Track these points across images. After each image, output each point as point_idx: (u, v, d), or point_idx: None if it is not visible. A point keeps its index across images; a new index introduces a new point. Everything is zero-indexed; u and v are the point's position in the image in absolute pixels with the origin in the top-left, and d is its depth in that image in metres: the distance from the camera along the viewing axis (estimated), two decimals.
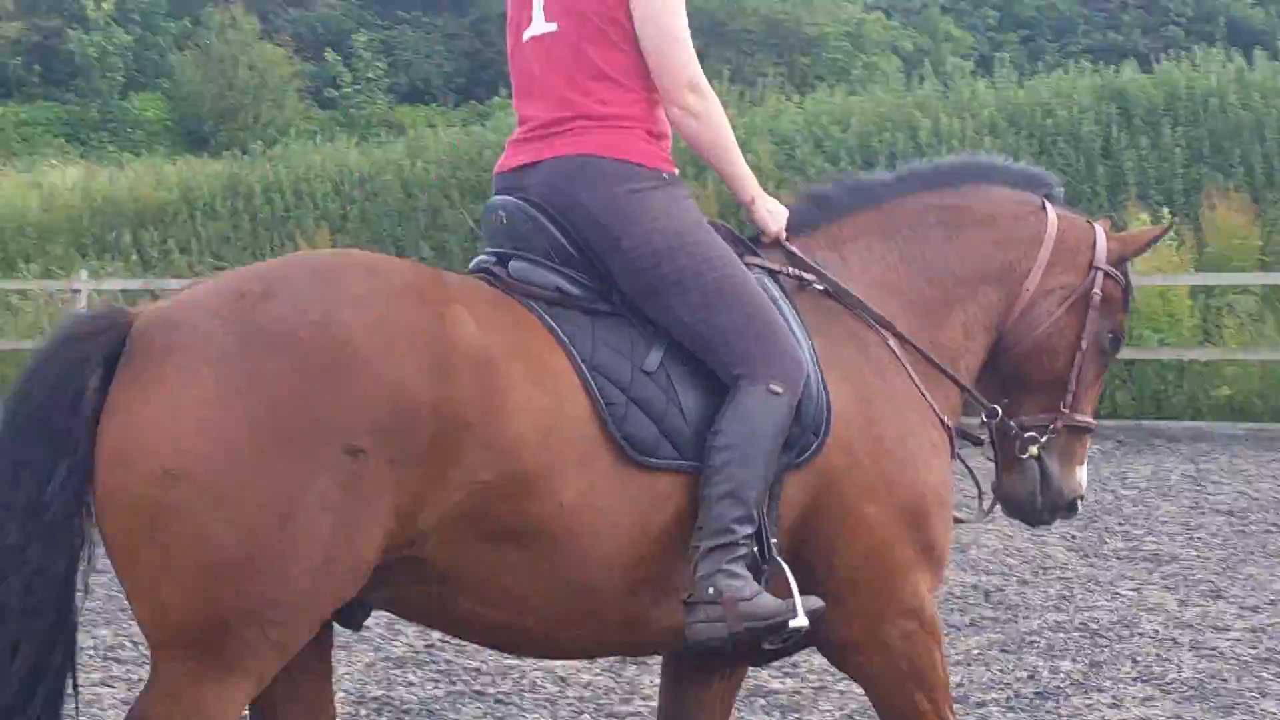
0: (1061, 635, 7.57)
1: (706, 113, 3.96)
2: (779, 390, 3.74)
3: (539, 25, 3.95)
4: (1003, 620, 7.93)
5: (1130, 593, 8.48)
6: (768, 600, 3.66)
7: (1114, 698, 6.50)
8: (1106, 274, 4.48)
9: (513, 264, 3.88)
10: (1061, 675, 6.87)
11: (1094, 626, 7.71)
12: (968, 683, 6.68)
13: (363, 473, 3.32)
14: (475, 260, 4.03)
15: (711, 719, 4.26)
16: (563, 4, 3.91)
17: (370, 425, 3.32)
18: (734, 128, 4.15)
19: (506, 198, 3.96)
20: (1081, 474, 4.49)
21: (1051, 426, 4.41)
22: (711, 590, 3.61)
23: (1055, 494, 4.42)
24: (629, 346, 3.79)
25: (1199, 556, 9.36)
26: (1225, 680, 6.72)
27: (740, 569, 3.64)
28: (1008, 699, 6.50)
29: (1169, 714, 6.24)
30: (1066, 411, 4.43)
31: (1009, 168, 4.59)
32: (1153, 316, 16.36)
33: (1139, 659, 7.10)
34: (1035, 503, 4.42)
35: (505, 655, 6.49)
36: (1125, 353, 15.44)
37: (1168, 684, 6.70)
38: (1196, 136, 20.50)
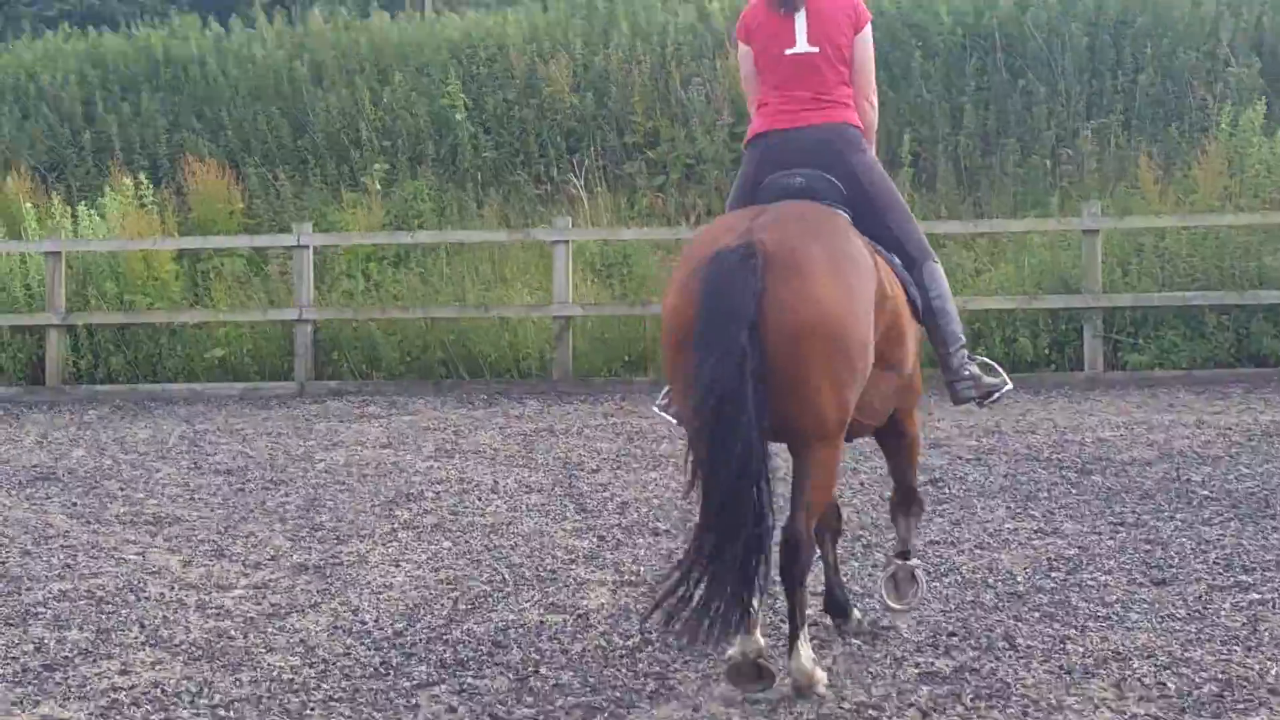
0: (67, 604, 7.43)
1: (876, 109, 6.83)
2: (938, 263, 6.66)
3: (802, 46, 6.56)
4: (5, 593, 7.68)
5: (135, 557, 8.44)
6: (990, 378, 6.74)
7: (123, 664, 6.45)
8: None
9: None
10: (69, 645, 6.74)
11: (100, 594, 7.63)
12: None
13: (875, 327, 5.84)
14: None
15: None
16: (820, 36, 6.56)
17: (877, 298, 5.85)
18: None
19: (803, 169, 6.42)
20: None
21: None
22: (967, 373, 6.64)
23: None
24: (885, 249, 6.37)
25: (200, 517, 9.47)
26: (233, 638, 6.84)
27: (971, 364, 6.69)
28: (15, 674, 6.30)
29: (179, 675, 6.26)
30: None
31: None
32: (139, 281, 16.37)
33: (146, 623, 7.09)
34: None
35: None
36: (117, 318, 15.45)
37: (176, 646, 6.72)
38: (177, 102, 20.70)
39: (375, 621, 7.06)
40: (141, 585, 7.78)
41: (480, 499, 9.81)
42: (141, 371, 16.01)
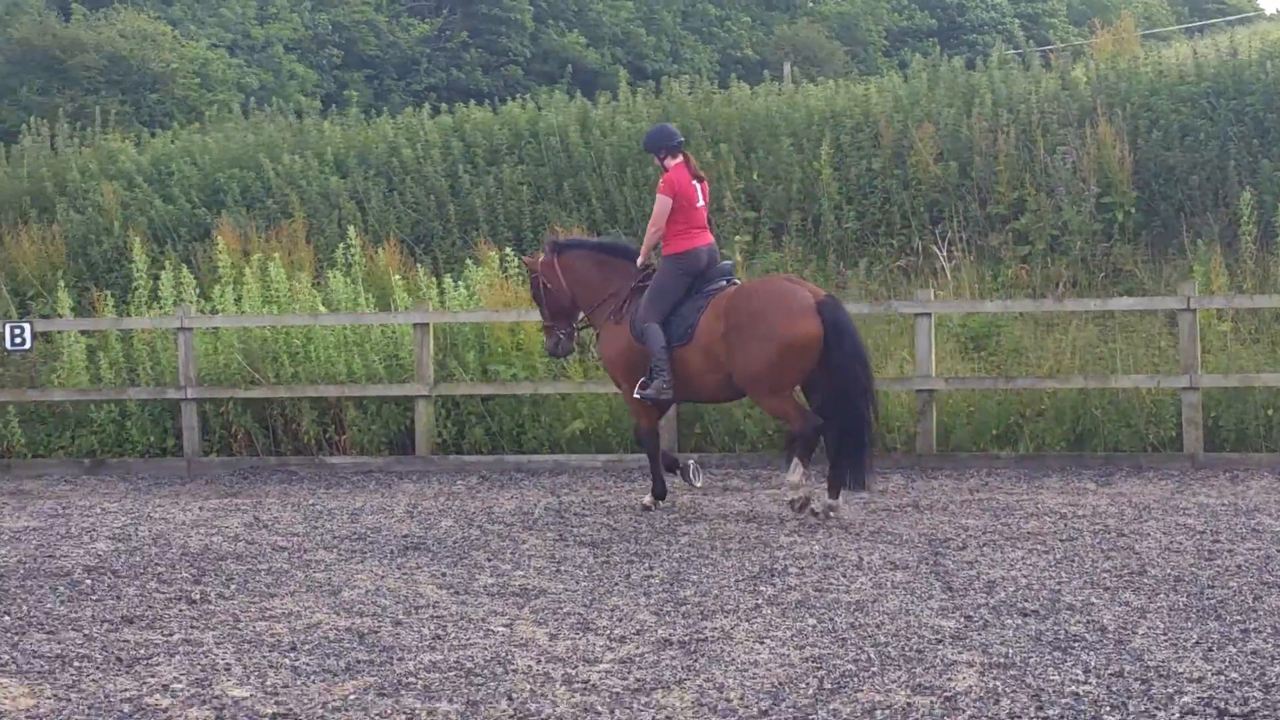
0: (438, 675, 7.50)
1: None
2: None
3: (700, 201, 12.50)
4: (378, 663, 7.80)
5: (502, 629, 8.50)
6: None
7: None
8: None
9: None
10: (439, 716, 6.81)
11: (469, 665, 7.68)
12: None
13: None
14: (722, 282, 12.48)
15: None
16: (705, 197, 12.69)
17: None
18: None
19: (721, 261, 12.82)
20: None
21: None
22: None
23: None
24: None
25: (566, 590, 9.50)
26: (599, 713, 6.82)
27: None
28: None
29: None
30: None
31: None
32: (505, 352, 16.65)
33: (515, 696, 7.11)
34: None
35: None
36: (484, 389, 15.65)
37: (543, 719, 6.72)
38: (540, 174, 21.10)
39: (740, 699, 6.95)
40: (509, 658, 7.82)
41: (845, 575, 9.61)
42: (504, 442, 16.26)
